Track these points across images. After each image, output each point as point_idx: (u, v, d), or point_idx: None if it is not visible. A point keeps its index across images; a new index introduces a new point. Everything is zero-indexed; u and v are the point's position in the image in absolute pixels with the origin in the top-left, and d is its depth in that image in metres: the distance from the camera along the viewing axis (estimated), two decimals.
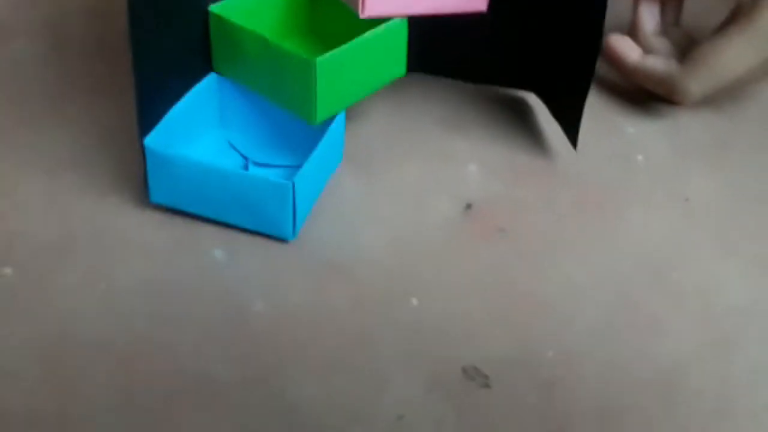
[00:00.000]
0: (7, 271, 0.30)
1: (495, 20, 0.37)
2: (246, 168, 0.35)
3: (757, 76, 0.39)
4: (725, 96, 0.41)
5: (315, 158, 0.32)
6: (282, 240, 0.32)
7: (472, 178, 0.37)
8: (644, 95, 0.42)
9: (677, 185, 0.37)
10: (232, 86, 0.35)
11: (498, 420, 0.27)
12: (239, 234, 0.33)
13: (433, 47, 0.39)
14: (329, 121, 0.33)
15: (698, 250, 0.34)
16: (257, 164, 0.35)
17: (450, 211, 0.35)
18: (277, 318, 0.30)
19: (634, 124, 0.41)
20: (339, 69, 0.32)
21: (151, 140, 0.31)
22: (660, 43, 0.42)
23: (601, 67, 0.38)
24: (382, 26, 0.34)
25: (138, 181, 0.34)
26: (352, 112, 0.39)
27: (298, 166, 0.33)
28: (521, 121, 0.41)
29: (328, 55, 0.31)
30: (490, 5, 0.36)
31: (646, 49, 0.41)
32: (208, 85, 0.35)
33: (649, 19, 0.42)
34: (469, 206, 0.35)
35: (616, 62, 0.41)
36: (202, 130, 0.35)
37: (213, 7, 0.34)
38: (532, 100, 0.42)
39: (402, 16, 0.34)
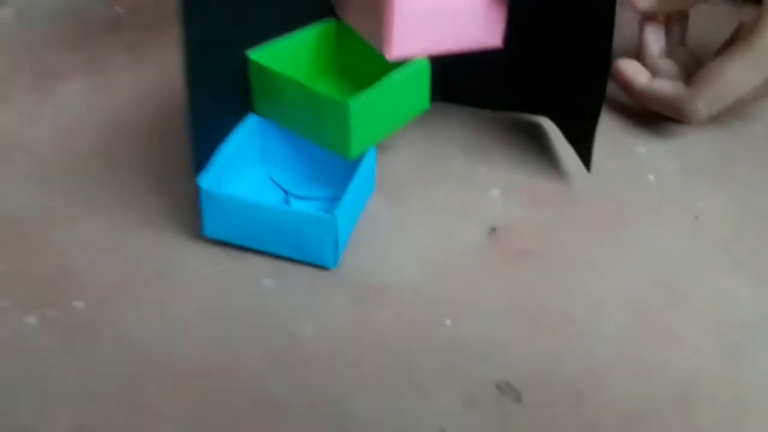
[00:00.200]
0: (80, 305, 0.33)
1: (509, 52, 0.39)
2: (287, 201, 0.38)
3: (762, 95, 0.41)
4: (732, 114, 0.43)
5: (351, 190, 0.35)
6: (325, 268, 0.35)
7: (494, 203, 0.40)
8: (653, 116, 0.44)
9: (687, 203, 0.40)
10: (271, 126, 0.38)
11: (531, 429, 0.30)
12: (285, 263, 0.35)
13: (453, 79, 0.42)
14: (362, 155, 0.36)
15: (709, 265, 0.36)
16: (297, 197, 0.38)
17: (476, 235, 0.38)
18: (326, 341, 0.32)
19: (645, 145, 0.43)
20: (370, 108, 0.35)
21: (203, 180, 0.34)
22: (666, 65, 0.44)
23: (611, 90, 0.41)
24: (407, 66, 0.37)
25: (190, 217, 0.37)
26: (381, 144, 0.42)
27: (336, 198, 0.36)
28: (538, 145, 0.44)
29: (359, 96, 0.34)
30: (505, 39, 0.39)
31: (653, 72, 0.44)
32: (250, 125, 0.38)
33: (655, 42, 0.45)
34: (493, 230, 0.38)
35: (625, 86, 0.44)
36: (246, 167, 0.38)
37: (252, 54, 0.37)
38: (547, 124, 0.45)
39: (425, 56, 0.37)
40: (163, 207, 0.38)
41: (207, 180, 0.34)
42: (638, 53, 0.45)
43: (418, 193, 0.40)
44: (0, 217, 0.38)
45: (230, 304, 0.34)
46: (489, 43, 0.39)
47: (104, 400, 0.30)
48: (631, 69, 0.44)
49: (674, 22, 0.45)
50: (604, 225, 0.38)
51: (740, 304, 0.35)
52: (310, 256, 0.35)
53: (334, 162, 0.37)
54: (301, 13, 0.39)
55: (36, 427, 0.29)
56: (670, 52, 0.45)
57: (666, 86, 0.42)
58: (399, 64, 0.37)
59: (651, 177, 0.41)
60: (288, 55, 0.39)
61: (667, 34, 0.45)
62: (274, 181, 0.39)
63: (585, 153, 0.40)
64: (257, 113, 0.38)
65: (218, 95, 0.35)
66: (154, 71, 0.50)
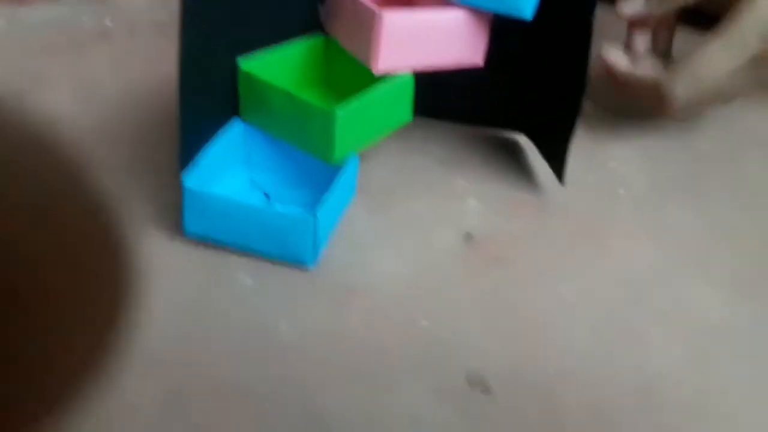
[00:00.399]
0: None
1: (489, 71, 0.41)
2: (269, 203, 0.39)
3: (743, 84, 0.40)
4: (712, 105, 0.43)
5: (332, 193, 0.36)
6: (303, 267, 0.36)
7: (471, 212, 0.41)
8: (627, 128, 0.46)
9: (657, 216, 0.41)
10: (255, 130, 0.39)
11: (499, 425, 0.30)
12: (265, 263, 0.36)
13: (435, 95, 0.44)
14: (344, 161, 0.37)
15: (678, 275, 0.38)
16: (278, 200, 0.39)
17: (453, 241, 0.39)
18: (301, 336, 0.33)
19: (617, 159, 0.45)
20: (354, 118, 0.36)
21: (187, 179, 0.35)
22: (650, 62, 0.44)
23: (585, 106, 0.42)
24: (392, 80, 0.38)
25: (172, 219, 0.38)
26: (363, 153, 0.43)
27: (316, 202, 0.37)
28: (514, 159, 0.45)
29: (345, 105, 0.35)
30: (486, 59, 0.40)
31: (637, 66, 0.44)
32: (235, 130, 0.39)
33: (641, 43, 0.45)
34: (469, 237, 0.39)
35: (608, 72, 0.43)
36: (229, 169, 0.39)
37: (242, 63, 0.38)
38: (523, 140, 0.46)
39: (409, 70, 0.39)
40: (144, 209, 0.39)
41: (191, 179, 0.35)
42: (624, 51, 0.45)
43: (397, 200, 0.41)
44: None
45: (207, 300, 0.34)
46: (470, 62, 0.40)
47: None
48: (615, 55, 0.43)
49: (661, 30, 0.45)
50: (577, 236, 0.40)
51: (707, 312, 0.36)
52: (290, 255, 0.35)
53: (316, 168, 0.38)
54: (291, 27, 0.41)
55: None
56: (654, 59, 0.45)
57: (647, 70, 0.42)
58: (384, 78, 0.38)
59: (621, 191, 0.43)
60: (276, 65, 0.40)
61: (653, 41, 0.45)
62: (256, 183, 0.40)
63: (559, 168, 0.42)
64: (243, 120, 0.39)
65: (208, 99, 0.36)
66: (141, 82, 0.51)
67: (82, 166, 0.23)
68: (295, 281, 0.35)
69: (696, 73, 0.39)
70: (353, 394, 0.31)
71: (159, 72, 0.52)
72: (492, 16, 0.39)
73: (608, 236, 0.40)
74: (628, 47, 0.45)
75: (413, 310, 0.35)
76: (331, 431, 0.29)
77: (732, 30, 0.38)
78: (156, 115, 0.47)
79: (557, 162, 0.42)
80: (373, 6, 0.36)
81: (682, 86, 0.40)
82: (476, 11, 0.38)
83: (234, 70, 0.38)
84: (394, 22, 0.36)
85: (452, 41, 0.39)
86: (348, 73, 0.41)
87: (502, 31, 0.40)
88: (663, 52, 0.45)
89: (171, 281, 0.35)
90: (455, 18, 0.38)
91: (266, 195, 0.40)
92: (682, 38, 0.47)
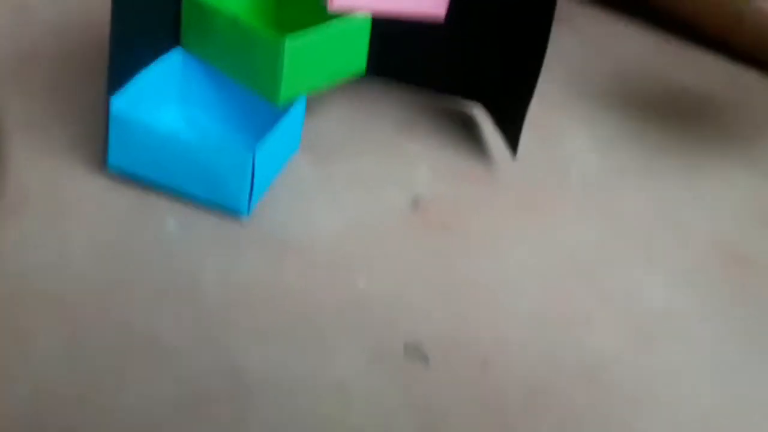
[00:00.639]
0: None
1: (448, 33, 0.39)
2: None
3: None
4: None
5: (275, 136, 0.33)
6: (235, 216, 0.33)
7: (421, 177, 0.39)
8: (584, 114, 0.45)
9: (608, 199, 0.40)
10: (195, 62, 0.36)
11: (435, 393, 0.28)
12: (194, 208, 0.33)
13: (391, 54, 0.41)
14: (290, 104, 0.35)
15: (624, 257, 0.37)
16: (215, 140, 0.36)
17: (399, 204, 0.37)
18: (227, 288, 0.30)
19: (572, 142, 0.44)
20: (305, 52, 0.34)
21: (116, 105, 0.32)
22: None
23: (546, 87, 0.41)
24: (347, 19, 0.35)
25: (93, 149, 0.34)
26: (312, 109, 0.41)
27: (256, 145, 0.34)
28: (468, 131, 0.43)
29: (296, 36, 0.33)
30: (446, 19, 0.38)
31: None
32: (172, 59, 0.36)
33: None
34: (417, 201, 0.37)
35: None
36: (163, 103, 0.36)
37: None
38: (479, 113, 0.45)
39: (366, 12, 0.36)
40: (68, 137, 0.35)
41: (119, 104, 0.32)
42: None
43: (344, 158, 0.39)
44: None
45: (127, 241, 0.31)
46: (432, 13, 0.38)
47: None
48: None
49: None
50: (526, 210, 0.38)
51: (651, 294, 0.35)
52: (223, 199, 0.33)
53: (258, 109, 0.35)
54: None
55: None
56: None
57: None
58: (339, 17, 0.35)
59: (575, 173, 0.42)
60: None
61: None
62: (191, 121, 0.37)
63: (513, 139, 0.40)
64: (185, 49, 0.36)
65: (145, 23, 0.33)
66: (81, 9, 0.47)
67: None
68: (225, 230, 0.33)
69: None
70: (279, 355, 0.28)
71: (99, 2, 0.48)
72: None
73: (557, 213, 0.38)
74: None
75: (351, 269, 0.32)
76: (250, 393, 0.27)
77: None
78: (94, 44, 0.43)
79: (511, 133, 0.40)
80: None
81: None
82: None
83: None
84: None
85: None
86: (302, 14, 0.38)
87: None
88: None
89: (88, 219, 0.32)
90: None
91: (203, 134, 0.36)
92: None
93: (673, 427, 0.29)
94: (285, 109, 0.35)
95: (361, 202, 0.36)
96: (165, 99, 0.36)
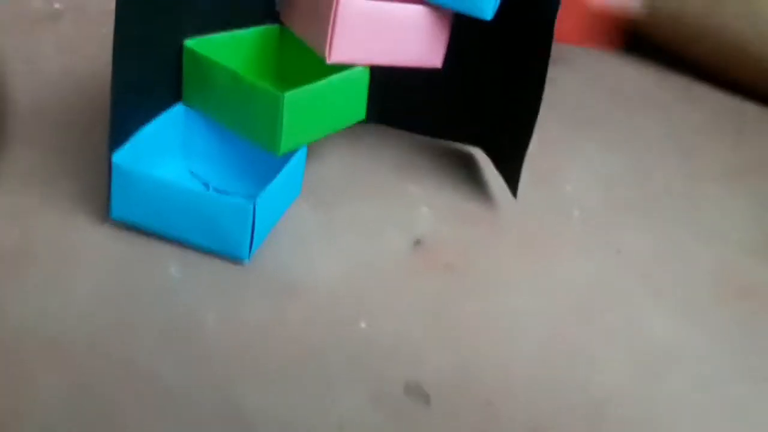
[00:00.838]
0: None
1: (446, 80, 0.40)
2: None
3: None
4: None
5: (276, 185, 0.34)
6: (237, 261, 0.33)
7: (422, 219, 0.39)
8: (584, 153, 0.45)
9: (609, 236, 0.40)
10: (197, 116, 0.37)
11: None
12: (195, 253, 0.34)
13: (391, 103, 0.42)
14: (291, 153, 0.35)
15: (627, 294, 0.36)
16: (218, 191, 0.37)
17: (401, 246, 0.37)
18: (229, 332, 0.30)
19: (572, 183, 0.44)
20: (305, 105, 0.34)
21: (118, 157, 0.32)
22: None
23: (544, 129, 0.42)
24: (347, 71, 0.36)
25: (98, 199, 0.35)
26: (313, 154, 0.41)
27: (258, 195, 0.34)
28: (469, 171, 0.44)
29: (295, 90, 0.33)
30: (444, 66, 0.39)
31: None
32: (175, 113, 0.37)
33: None
34: (418, 242, 0.37)
35: None
36: (165, 157, 0.37)
37: (188, 43, 0.36)
38: (479, 155, 0.45)
39: (365, 64, 0.37)
40: (73, 190, 0.36)
41: (122, 158, 0.33)
42: None
43: (346, 202, 0.39)
44: None
45: (130, 288, 0.31)
46: (429, 63, 0.39)
47: None
48: None
49: None
50: (527, 250, 0.38)
51: (654, 330, 0.35)
52: (225, 246, 0.33)
53: (260, 160, 0.36)
54: (245, 14, 0.39)
55: None
56: None
57: None
58: (338, 69, 0.36)
59: (576, 212, 0.42)
60: (225, 50, 0.38)
61: None
62: (194, 173, 0.37)
63: (513, 181, 0.41)
64: (186, 104, 0.37)
65: (146, 78, 0.34)
66: (83, 64, 0.48)
67: None
68: (227, 275, 0.33)
69: None
70: (282, 396, 0.28)
71: (104, 56, 0.49)
72: (453, 18, 0.38)
73: (559, 251, 0.39)
74: None
75: (353, 311, 0.32)
76: None
77: None
78: (97, 99, 0.44)
79: (511, 175, 0.41)
80: None
81: None
82: (438, 9, 0.37)
83: (179, 53, 0.36)
84: (351, 7, 0.35)
85: (412, 37, 0.37)
86: (302, 68, 0.39)
87: (461, 40, 0.39)
88: None
89: (91, 267, 0.32)
90: (416, 12, 0.37)
91: (206, 185, 0.37)
92: None
93: None
94: (286, 158, 0.35)
95: (363, 244, 0.36)
96: (167, 152, 0.37)
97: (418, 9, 0.37)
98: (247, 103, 0.35)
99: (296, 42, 0.39)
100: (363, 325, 0.32)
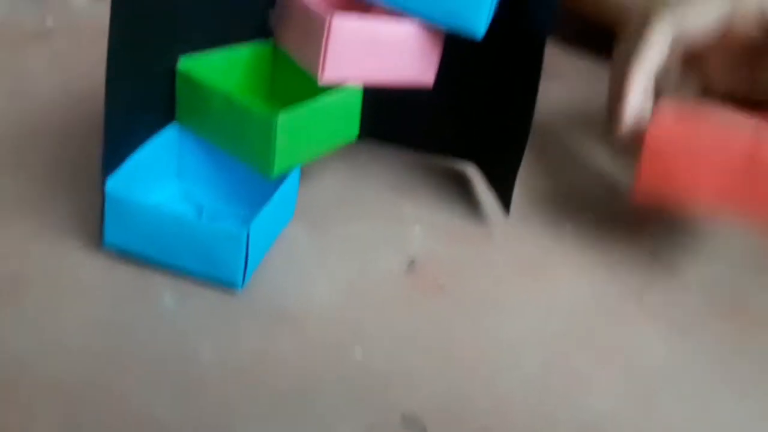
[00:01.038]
0: None
1: (438, 96, 0.40)
2: (200, 216, 0.36)
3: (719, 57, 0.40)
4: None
5: (269, 209, 0.34)
6: (231, 288, 0.33)
7: (415, 238, 0.39)
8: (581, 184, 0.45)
9: (602, 252, 0.40)
10: (190, 138, 0.37)
11: None
12: (188, 281, 0.33)
13: (383, 117, 0.42)
14: (284, 175, 0.35)
15: (621, 312, 0.37)
16: (211, 213, 0.37)
17: (394, 268, 0.37)
18: (225, 364, 0.30)
19: (564, 195, 0.44)
20: (297, 127, 0.34)
21: (111, 185, 0.32)
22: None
23: (538, 145, 0.42)
24: (339, 91, 0.36)
25: (91, 225, 0.35)
26: (306, 173, 0.41)
27: (251, 217, 0.34)
28: (462, 188, 0.44)
29: (288, 112, 0.33)
30: (435, 83, 0.39)
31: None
32: (168, 136, 0.36)
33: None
34: (412, 263, 0.37)
35: None
36: (160, 179, 0.37)
37: (180, 65, 0.36)
38: (472, 170, 0.45)
39: (357, 83, 0.37)
40: (66, 216, 0.36)
41: (115, 184, 0.33)
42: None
43: (339, 223, 0.39)
44: None
45: (125, 318, 0.31)
46: (421, 81, 0.39)
47: None
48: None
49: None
50: (521, 268, 0.38)
51: (650, 351, 0.35)
52: (218, 274, 0.33)
53: (253, 181, 0.36)
54: (237, 32, 0.39)
55: None
56: None
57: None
58: (331, 89, 0.36)
59: (569, 226, 0.42)
60: (218, 69, 0.38)
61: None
62: (187, 194, 0.37)
63: (505, 198, 0.41)
64: (180, 124, 0.37)
65: (139, 101, 0.34)
66: (76, 83, 0.48)
67: None
68: (221, 304, 0.33)
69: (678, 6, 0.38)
70: (278, 429, 0.28)
71: (97, 75, 0.49)
72: (444, 36, 0.38)
73: (552, 271, 0.39)
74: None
75: (348, 339, 0.32)
76: None
77: None
78: (90, 119, 0.44)
79: (504, 192, 0.41)
80: (323, 11, 0.35)
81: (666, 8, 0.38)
82: (429, 28, 0.37)
83: (172, 73, 0.36)
84: (343, 27, 0.35)
85: (403, 56, 0.37)
86: (294, 86, 0.39)
87: (452, 55, 0.39)
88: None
89: (85, 296, 0.32)
90: (407, 31, 0.37)
91: (200, 208, 0.37)
92: None
93: None
94: (279, 180, 0.35)
95: (357, 268, 0.36)
96: (161, 175, 0.37)
97: (410, 28, 0.37)
98: (240, 125, 0.35)
99: (289, 59, 0.39)
100: (358, 351, 0.32)
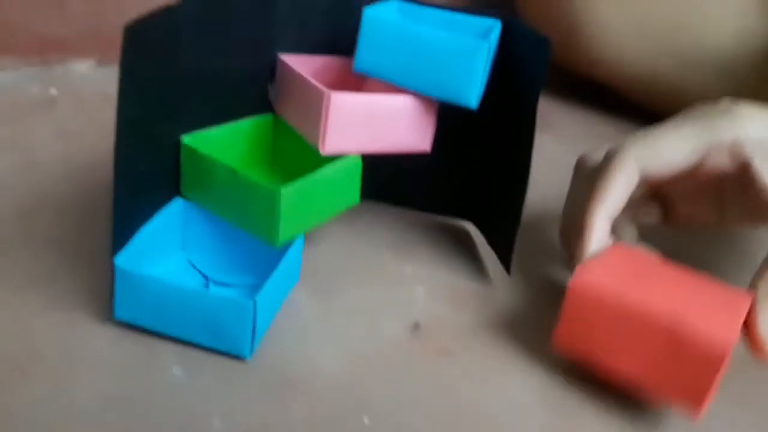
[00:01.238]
0: None
1: (436, 159, 0.41)
2: (206, 287, 0.37)
3: (700, 191, 0.39)
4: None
5: (275, 279, 0.34)
6: (239, 357, 0.34)
7: (418, 301, 0.40)
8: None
9: None
10: (195, 210, 0.38)
11: None
12: (198, 352, 0.34)
13: (384, 179, 0.44)
14: (289, 243, 0.36)
15: None
16: (217, 283, 0.37)
17: (398, 332, 0.37)
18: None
19: (563, 255, 0.45)
20: (300, 198, 0.35)
21: (120, 260, 0.33)
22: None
23: (537, 206, 0.43)
24: (340, 161, 0.37)
25: (103, 300, 0.35)
26: (310, 237, 0.42)
27: (258, 286, 0.35)
28: (462, 247, 0.45)
29: (291, 186, 0.34)
30: (432, 147, 0.40)
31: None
32: (173, 209, 0.37)
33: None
34: (416, 327, 0.38)
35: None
36: (166, 251, 0.37)
37: (185, 139, 0.37)
38: (472, 228, 0.46)
39: (357, 153, 0.38)
40: (75, 288, 0.37)
41: (124, 260, 0.33)
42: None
43: (342, 286, 0.40)
44: None
45: (134, 392, 0.32)
46: (418, 148, 0.40)
47: None
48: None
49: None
50: (523, 329, 0.39)
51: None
52: (226, 344, 0.33)
53: (258, 250, 0.37)
54: (239, 106, 0.40)
55: None
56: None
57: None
58: (332, 159, 0.37)
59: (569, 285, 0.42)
60: (222, 143, 0.39)
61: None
62: (193, 265, 0.38)
63: (505, 258, 0.41)
64: (185, 197, 0.38)
65: (146, 178, 0.35)
66: (82, 154, 0.49)
67: None
68: (230, 373, 0.33)
69: (651, 139, 0.36)
70: None
71: (102, 144, 0.51)
72: (439, 104, 0.39)
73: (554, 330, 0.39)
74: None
75: (355, 406, 0.33)
76: None
77: (701, 114, 0.37)
78: (96, 189, 0.45)
79: (504, 252, 0.42)
80: (322, 87, 0.36)
81: (634, 145, 0.36)
82: (424, 98, 0.38)
83: (177, 148, 0.37)
84: (342, 103, 0.36)
85: (400, 126, 0.39)
86: (296, 154, 0.40)
87: (448, 119, 0.40)
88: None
89: (95, 369, 0.33)
90: (403, 103, 0.38)
91: (205, 277, 0.38)
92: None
93: None
94: (284, 248, 0.36)
95: (361, 333, 0.37)
96: (167, 247, 0.37)
97: (406, 100, 0.38)
98: (244, 197, 0.35)
99: (289, 129, 0.40)
100: (365, 420, 0.32)
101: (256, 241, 0.36)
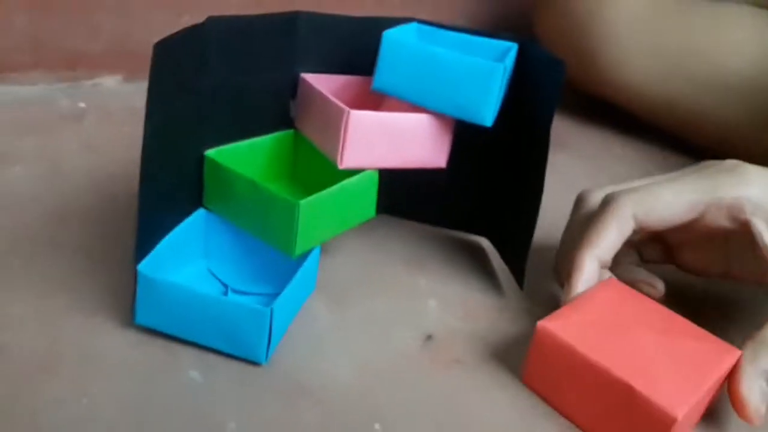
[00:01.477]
0: None
1: (451, 175, 0.42)
2: (225, 295, 0.38)
3: (699, 241, 0.40)
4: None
5: (291, 288, 0.36)
6: (255, 363, 0.35)
7: (431, 313, 0.41)
8: None
9: None
10: (216, 220, 0.39)
11: None
12: (215, 357, 0.35)
13: (400, 194, 0.45)
14: (306, 254, 0.37)
15: None
16: (236, 291, 0.39)
17: (411, 342, 0.38)
18: None
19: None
20: (318, 211, 0.36)
21: (143, 267, 0.34)
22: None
23: (549, 223, 0.43)
24: (357, 176, 0.39)
25: (125, 305, 0.37)
26: (326, 248, 0.43)
27: (275, 294, 0.36)
28: (475, 261, 0.45)
29: (309, 198, 0.36)
30: (448, 163, 0.41)
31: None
32: (196, 219, 0.39)
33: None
34: (429, 338, 0.39)
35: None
36: (188, 259, 0.39)
37: (209, 153, 0.38)
38: (485, 242, 0.47)
39: (374, 168, 0.39)
40: (98, 293, 0.38)
41: (147, 267, 0.35)
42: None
43: (357, 297, 0.41)
44: None
45: (152, 395, 0.33)
46: (434, 164, 0.41)
47: None
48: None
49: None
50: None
51: None
52: (243, 349, 0.34)
53: (276, 260, 0.38)
54: (262, 122, 0.41)
55: None
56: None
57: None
58: (350, 173, 0.39)
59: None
60: (244, 157, 0.40)
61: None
62: (213, 274, 0.39)
63: (518, 272, 0.42)
64: (207, 208, 0.39)
65: (170, 188, 0.36)
66: (107, 164, 0.51)
67: None
68: (245, 378, 0.34)
69: (649, 193, 0.37)
70: None
71: (128, 156, 0.52)
72: (455, 121, 0.40)
73: None
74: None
75: (367, 415, 0.34)
76: None
77: (703, 172, 0.37)
78: (120, 199, 0.47)
79: (517, 266, 0.42)
80: (342, 104, 0.38)
81: (630, 197, 0.37)
82: (440, 116, 0.39)
83: (200, 161, 0.38)
84: (360, 120, 0.37)
85: (416, 143, 0.40)
86: (315, 169, 0.42)
87: (465, 136, 0.41)
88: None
89: (115, 371, 0.34)
90: (420, 121, 0.39)
91: (225, 286, 0.39)
92: None
93: None
94: (301, 259, 0.37)
95: (375, 343, 0.38)
96: (189, 256, 0.39)
97: (422, 118, 0.39)
98: (264, 209, 0.37)
99: (309, 145, 0.41)
100: (377, 427, 0.33)
101: (275, 252, 0.37)
